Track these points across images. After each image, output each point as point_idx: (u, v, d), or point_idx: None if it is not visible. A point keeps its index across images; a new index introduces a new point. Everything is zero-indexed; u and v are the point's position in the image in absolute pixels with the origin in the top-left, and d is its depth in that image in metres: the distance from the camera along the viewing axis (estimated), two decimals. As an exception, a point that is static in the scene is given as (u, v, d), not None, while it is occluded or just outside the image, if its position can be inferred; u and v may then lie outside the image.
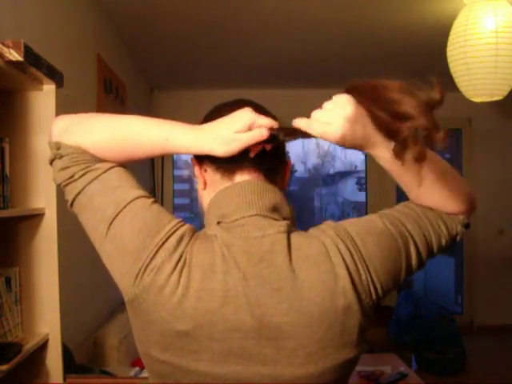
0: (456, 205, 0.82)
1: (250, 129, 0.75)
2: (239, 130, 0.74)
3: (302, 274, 0.72)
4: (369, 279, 0.75)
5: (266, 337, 0.71)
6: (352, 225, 0.78)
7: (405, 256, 0.78)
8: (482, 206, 5.39)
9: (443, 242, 0.83)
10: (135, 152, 0.79)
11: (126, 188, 0.76)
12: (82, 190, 0.76)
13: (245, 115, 0.75)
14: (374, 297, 0.76)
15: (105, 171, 0.77)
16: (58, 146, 0.77)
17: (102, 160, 0.79)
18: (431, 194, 0.81)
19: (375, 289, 0.75)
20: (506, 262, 4.88)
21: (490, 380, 3.68)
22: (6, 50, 1.29)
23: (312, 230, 0.78)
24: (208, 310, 0.70)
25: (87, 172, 0.76)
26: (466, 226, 0.85)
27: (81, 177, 0.76)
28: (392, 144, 0.69)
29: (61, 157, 0.77)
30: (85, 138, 0.78)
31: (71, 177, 0.76)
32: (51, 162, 0.79)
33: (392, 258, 0.77)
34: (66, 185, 0.77)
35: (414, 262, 0.80)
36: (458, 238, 0.85)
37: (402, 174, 0.78)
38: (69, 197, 0.78)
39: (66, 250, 1.85)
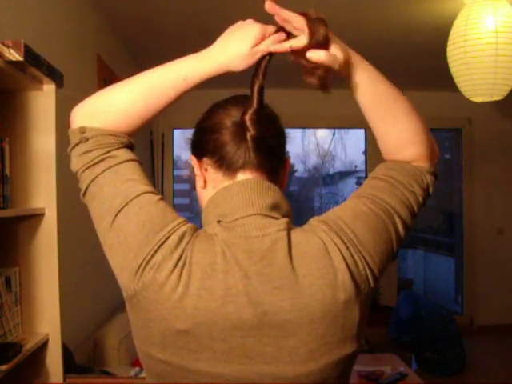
0: (418, 145, 0.83)
1: (264, 36, 0.78)
2: (255, 44, 0.78)
3: (302, 271, 0.72)
4: (366, 268, 0.75)
5: (268, 335, 0.71)
6: (338, 216, 0.78)
7: (393, 230, 0.80)
8: (481, 206, 5.39)
9: (420, 199, 0.83)
10: (161, 102, 0.80)
11: (137, 182, 0.77)
12: (96, 177, 0.76)
13: (253, 28, 0.78)
14: (372, 284, 0.76)
15: (121, 162, 0.77)
16: (82, 130, 0.78)
17: (125, 144, 0.79)
18: (396, 127, 0.83)
19: (373, 275, 0.76)
20: (506, 262, 4.88)
21: (489, 380, 3.68)
22: (5, 49, 1.29)
23: (306, 227, 0.79)
24: (208, 309, 0.70)
25: (105, 158, 0.77)
26: (435, 176, 0.86)
27: (99, 162, 0.76)
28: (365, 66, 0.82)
29: (86, 140, 0.77)
30: (108, 115, 0.78)
31: (92, 160, 0.77)
32: (71, 149, 0.79)
33: (383, 238, 0.78)
34: (85, 170, 0.77)
35: (401, 231, 0.81)
36: (430, 190, 0.85)
37: (374, 103, 0.83)
38: (83, 185, 0.78)
39: (66, 250, 1.85)
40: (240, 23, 0.80)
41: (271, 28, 0.79)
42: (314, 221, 0.79)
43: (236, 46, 0.78)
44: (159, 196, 0.78)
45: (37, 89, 1.54)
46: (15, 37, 1.34)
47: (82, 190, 0.78)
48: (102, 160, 0.76)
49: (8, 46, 1.29)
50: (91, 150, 0.77)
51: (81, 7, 2.61)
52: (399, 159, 0.85)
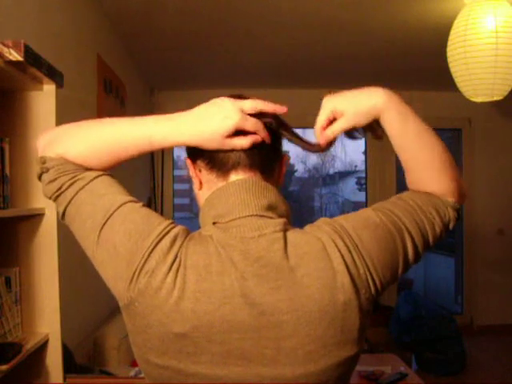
0: (446, 182, 0.84)
1: (236, 130, 0.76)
2: (227, 134, 0.76)
3: (300, 272, 0.72)
4: (367, 273, 0.75)
5: (266, 337, 0.71)
6: (347, 220, 0.78)
7: (401, 248, 0.79)
8: (481, 206, 5.38)
9: (437, 230, 0.83)
10: (121, 155, 0.80)
11: (114, 195, 0.77)
12: (71, 200, 0.77)
13: (232, 119, 0.75)
14: (372, 291, 0.75)
15: (91, 180, 0.77)
16: (43, 160, 0.79)
17: (89, 168, 0.79)
18: (420, 164, 0.84)
19: (374, 283, 0.75)
20: (506, 261, 4.88)
21: (489, 380, 3.68)
22: (6, 49, 1.29)
23: (308, 227, 0.78)
24: (205, 312, 0.70)
25: (74, 182, 0.77)
26: (457, 216, 0.86)
27: (68, 187, 0.77)
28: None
29: (47, 170, 0.78)
30: (69, 150, 0.79)
31: (59, 188, 0.77)
32: (39, 178, 0.80)
33: (389, 251, 0.77)
34: (56, 197, 0.78)
35: (410, 253, 0.80)
36: (451, 225, 0.85)
37: (403, 142, 0.83)
38: (59, 208, 0.79)
39: (66, 250, 1.85)
40: (217, 101, 0.77)
41: (249, 124, 0.76)
42: (320, 221, 0.79)
43: (211, 127, 0.75)
44: (141, 203, 0.78)
45: (37, 89, 1.54)
46: (15, 37, 1.34)
47: (60, 214, 0.79)
48: (71, 185, 0.77)
49: (8, 46, 1.29)
50: (55, 179, 0.77)
51: (81, 7, 2.61)
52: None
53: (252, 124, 0.77)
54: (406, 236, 0.79)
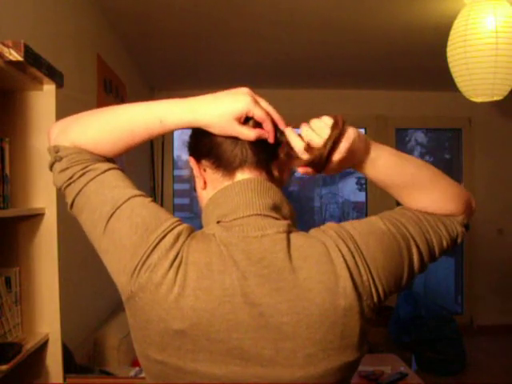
0: (450, 206, 0.84)
1: (247, 114, 0.76)
2: (237, 116, 0.75)
3: (302, 274, 0.71)
4: (370, 280, 0.74)
5: (265, 337, 0.71)
6: (353, 226, 0.78)
7: (407, 257, 0.78)
8: (481, 206, 5.39)
9: (444, 243, 0.83)
10: (133, 139, 0.79)
11: (124, 188, 0.77)
12: (81, 190, 0.77)
13: (243, 101, 0.76)
14: (375, 298, 0.75)
15: (102, 172, 0.78)
16: (56, 149, 0.79)
17: (101, 160, 0.80)
18: (422, 198, 0.83)
19: (376, 290, 0.75)
20: (506, 261, 4.88)
21: (489, 380, 3.68)
22: (6, 49, 1.29)
23: (313, 231, 0.78)
24: (205, 310, 0.70)
25: (86, 172, 0.77)
26: (466, 227, 0.86)
27: (80, 177, 0.77)
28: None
29: (60, 159, 0.78)
30: (81, 135, 0.79)
31: (71, 177, 0.77)
32: (51, 167, 0.80)
33: (394, 260, 0.77)
34: (66, 186, 0.78)
35: (416, 263, 0.80)
36: (459, 240, 0.85)
37: (390, 184, 0.83)
38: (68, 199, 0.79)
39: (66, 250, 1.85)
40: (235, 90, 0.78)
41: (259, 112, 0.76)
42: (326, 225, 0.79)
43: (222, 107, 0.75)
44: (150, 198, 0.78)
45: (37, 89, 1.54)
46: (15, 37, 1.34)
47: (69, 204, 0.79)
48: (83, 174, 0.77)
49: (8, 46, 1.29)
50: (67, 168, 0.78)
51: (81, 7, 2.61)
52: None
53: (261, 113, 0.76)
54: (413, 246, 0.79)
